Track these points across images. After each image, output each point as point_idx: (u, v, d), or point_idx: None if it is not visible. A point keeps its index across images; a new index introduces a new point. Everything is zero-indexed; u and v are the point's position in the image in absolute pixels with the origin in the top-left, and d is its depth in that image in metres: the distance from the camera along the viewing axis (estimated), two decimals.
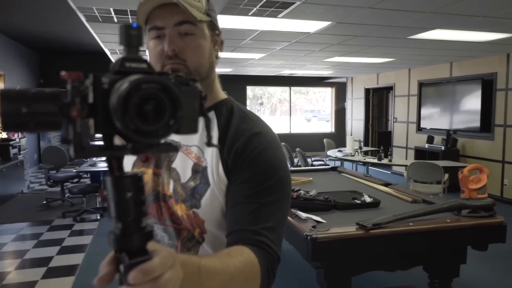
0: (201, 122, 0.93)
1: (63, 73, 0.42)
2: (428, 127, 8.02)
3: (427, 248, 2.46)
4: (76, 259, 3.98)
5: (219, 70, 8.11)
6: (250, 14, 3.68)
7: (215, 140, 0.87)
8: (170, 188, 0.89)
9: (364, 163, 6.67)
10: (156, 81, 0.42)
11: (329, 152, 7.55)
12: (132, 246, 0.45)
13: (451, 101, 7.39)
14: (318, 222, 2.51)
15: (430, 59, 7.02)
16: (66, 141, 0.42)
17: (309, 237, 2.21)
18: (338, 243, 2.27)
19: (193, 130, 0.49)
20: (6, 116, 0.41)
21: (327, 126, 13.35)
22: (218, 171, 0.85)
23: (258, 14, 3.68)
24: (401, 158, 8.57)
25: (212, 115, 0.92)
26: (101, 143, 0.45)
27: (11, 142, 6.77)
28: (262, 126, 0.91)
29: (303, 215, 2.57)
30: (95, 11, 3.66)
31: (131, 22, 0.38)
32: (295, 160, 7.52)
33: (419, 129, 8.29)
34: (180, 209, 0.87)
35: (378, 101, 10.73)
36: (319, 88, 13.59)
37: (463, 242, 2.52)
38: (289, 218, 2.57)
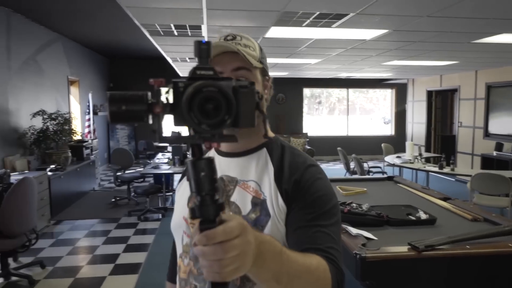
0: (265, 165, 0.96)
1: (151, 80, 0.56)
2: (497, 133, 7.50)
3: (486, 274, 2.36)
4: (139, 257, 4.28)
5: (275, 74, 8.13)
6: (303, 25, 3.72)
7: (272, 175, 0.96)
8: None
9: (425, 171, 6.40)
10: (215, 86, 0.54)
11: (387, 158, 7.34)
12: (205, 215, 0.55)
13: None
14: (368, 239, 2.50)
15: (499, 61, 6.56)
16: (153, 131, 0.56)
17: (358, 256, 2.22)
18: (388, 263, 2.25)
19: (250, 124, 0.59)
20: (111, 112, 0.55)
21: (387, 129, 12.93)
22: (278, 202, 0.92)
23: (311, 25, 3.71)
24: (466, 165, 8.10)
25: (264, 152, 1.01)
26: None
27: (84, 144, 7.37)
28: (312, 160, 1.01)
29: (354, 231, 2.58)
30: (157, 27, 3.91)
31: (202, 36, 0.53)
32: (351, 166, 7.40)
33: (487, 134, 7.77)
34: None
35: (441, 103, 10.20)
36: (380, 89, 13.20)
37: None
38: None
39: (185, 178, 1.13)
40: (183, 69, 8.38)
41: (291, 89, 11.81)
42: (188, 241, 1.00)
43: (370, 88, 12.92)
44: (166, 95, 0.56)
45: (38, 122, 6.16)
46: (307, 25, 3.74)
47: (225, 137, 0.57)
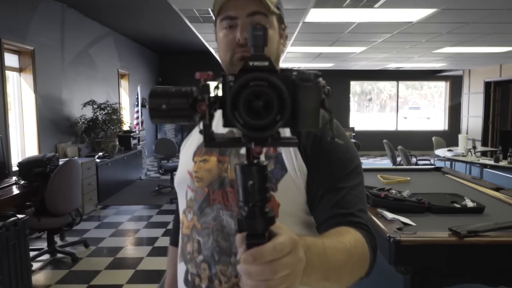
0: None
1: (197, 73, 0.49)
2: None
3: None
4: None
5: (319, 65, 7.95)
6: (344, 5, 3.57)
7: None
8: None
9: (479, 165, 5.96)
10: (264, 79, 0.45)
11: (438, 151, 6.93)
12: (252, 229, 0.48)
13: None
14: (406, 224, 2.34)
15: None
16: (200, 132, 0.50)
17: (392, 240, 2.08)
18: (425, 248, 2.09)
19: (313, 126, 0.48)
20: (151, 110, 0.49)
21: (440, 124, 12.26)
22: (297, 158, 0.87)
23: (352, 5, 3.55)
24: None
25: None
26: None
27: (132, 134, 7.65)
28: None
29: (389, 215, 2.43)
30: (195, 12, 3.94)
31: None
32: (398, 159, 7.06)
33: None
34: None
35: (501, 96, 9.46)
36: (433, 82, 12.54)
37: None
38: (373, 218, 2.45)
39: (191, 135, 1.10)
40: None
41: (338, 82, 11.51)
42: (192, 196, 0.95)
43: (422, 80, 12.29)
44: (216, 90, 0.49)
45: (88, 112, 6.47)
46: (348, 6, 3.58)
47: (281, 141, 0.49)
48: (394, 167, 4.72)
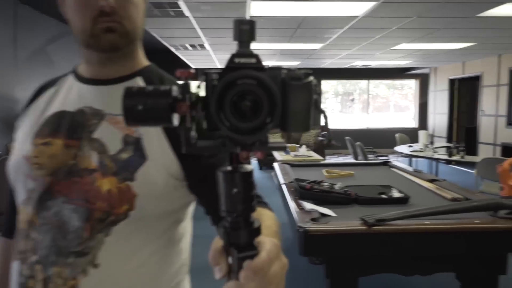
0: None
1: (177, 71, 0.44)
2: None
3: (448, 252, 2.13)
4: None
5: (286, 63, 7.91)
6: None
7: None
8: (93, 160, 0.80)
9: (435, 160, 6.02)
10: (253, 76, 0.41)
11: (399, 148, 6.99)
12: (241, 241, 0.45)
13: None
14: (325, 215, 2.32)
15: None
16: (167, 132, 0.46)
17: (301, 230, 2.05)
18: (335, 238, 2.06)
19: (304, 128, 0.44)
20: (125, 111, 0.43)
21: (410, 122, 12.41)
22: (160, 144, 0.80)
23: None
24: (487, 155, 7.58)
25: (140, 81, 0.86)
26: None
27: None
28: None
29: (308, 206, 2.40)
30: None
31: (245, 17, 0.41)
32: (359, 158, 7.10)
33: (510, 122, 7.24)
34: (109, 183, 0.79)
35: (468, 93, 9.59)
36: (404, 80, 12.69)
37: (500, 248, 2.13)
38: (292, 209, 2.42)
39: (29, 110, 0.94)
40: (194, 60, 8.35)
41: None
42: (34, 186, 0.82)
43: (392, 79, 12.43)
44: (197, 90, 0.44)
45: None
46: None
47: (270, 145, 0.45)
48: (341, 161, 4.74)
